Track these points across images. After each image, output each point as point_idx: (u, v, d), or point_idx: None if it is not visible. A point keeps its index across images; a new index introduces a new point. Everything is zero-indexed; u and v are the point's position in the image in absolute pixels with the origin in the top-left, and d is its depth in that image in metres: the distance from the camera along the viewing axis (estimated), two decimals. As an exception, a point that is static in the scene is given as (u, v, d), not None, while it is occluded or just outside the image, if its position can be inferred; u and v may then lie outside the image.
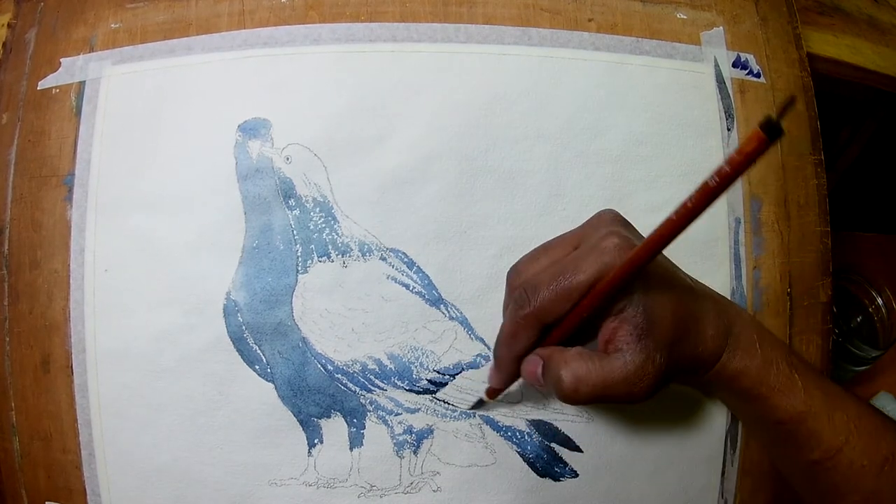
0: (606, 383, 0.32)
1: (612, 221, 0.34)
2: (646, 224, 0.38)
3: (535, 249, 0.36)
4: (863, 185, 0.74)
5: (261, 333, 0.39)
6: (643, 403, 0.42)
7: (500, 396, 0.39)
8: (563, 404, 0.41)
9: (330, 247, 0.40)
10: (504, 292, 0.36)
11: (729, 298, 0.40)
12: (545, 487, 0.41)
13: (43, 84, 0.42)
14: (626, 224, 0.34)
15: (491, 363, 0.37)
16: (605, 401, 0.32)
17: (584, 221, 0.35)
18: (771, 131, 0.23)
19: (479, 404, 0.40)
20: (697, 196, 0.26)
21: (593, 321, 0.33)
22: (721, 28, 0.45)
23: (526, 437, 0.41)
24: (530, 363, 0.34)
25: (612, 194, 0.42)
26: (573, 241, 0.34)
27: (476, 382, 0.40)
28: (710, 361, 0.34)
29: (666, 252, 0.30)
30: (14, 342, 0.41)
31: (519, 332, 0.34)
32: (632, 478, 0.42)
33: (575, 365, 0.32)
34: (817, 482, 0.36)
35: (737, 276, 0.44)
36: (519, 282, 0.34)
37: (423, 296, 0.40)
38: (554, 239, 0.36)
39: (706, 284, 0.37)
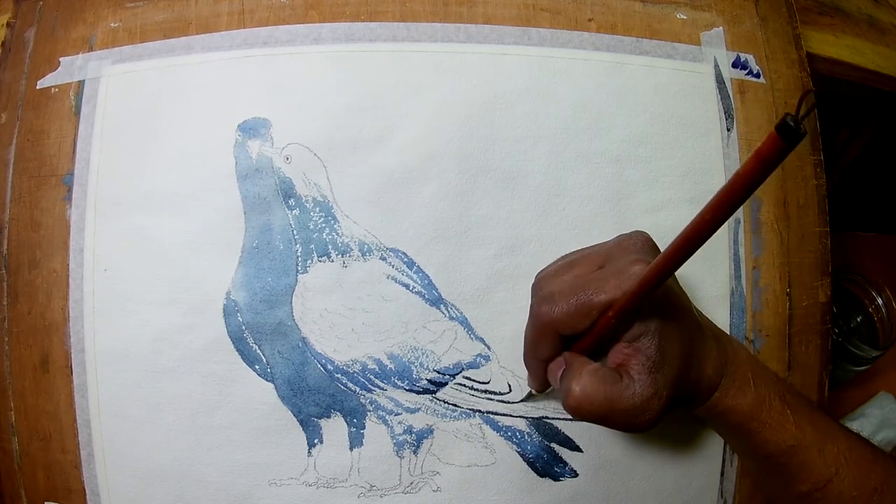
0: (612, 409, 0.32)
1: (642, 247, 0.33)
2: (645, 224, 0.39)
3: (559, 263, 0.36)
4: (863, 185, 0.74)
5: (261, 333, 0.39)
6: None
7: (548, 390, 0.39)
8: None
9: (330, 247, 0.40)
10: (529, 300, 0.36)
11: (729, 334, 0.41)
12: (545, 487, 0.41)
13: (42, 83, 0.42)
14: (656, 251, 0.34)
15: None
16: (605, 425, 0.33)
17: (612, 238, 0.35)
18: (786, 133, 0.20)
19: (529, 397, 0.41)
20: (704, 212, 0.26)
21: (610, 341, 0.33)
22: (721, 28, 0.45)
23: (526, 437, 0.41)
24: (557, 364, 0.35)
25: (612, 194, 0.42)
26: (598, 261, 0.34)
27: (476, 382, 0.40)
28: (703, 396, 0.35)
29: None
30: (13, 342, 0.41)
31: (539, 340, 0.35)
32: (632, 478, 0.42)
33: (587, 380, 0.32)
34: None
35: (736, 276, 0.44)
36: (541, 293, 0.34)
37: (423, 296, 0.40)
38: (579, 253, 0.35)
39: (709, 299, 0.37)
